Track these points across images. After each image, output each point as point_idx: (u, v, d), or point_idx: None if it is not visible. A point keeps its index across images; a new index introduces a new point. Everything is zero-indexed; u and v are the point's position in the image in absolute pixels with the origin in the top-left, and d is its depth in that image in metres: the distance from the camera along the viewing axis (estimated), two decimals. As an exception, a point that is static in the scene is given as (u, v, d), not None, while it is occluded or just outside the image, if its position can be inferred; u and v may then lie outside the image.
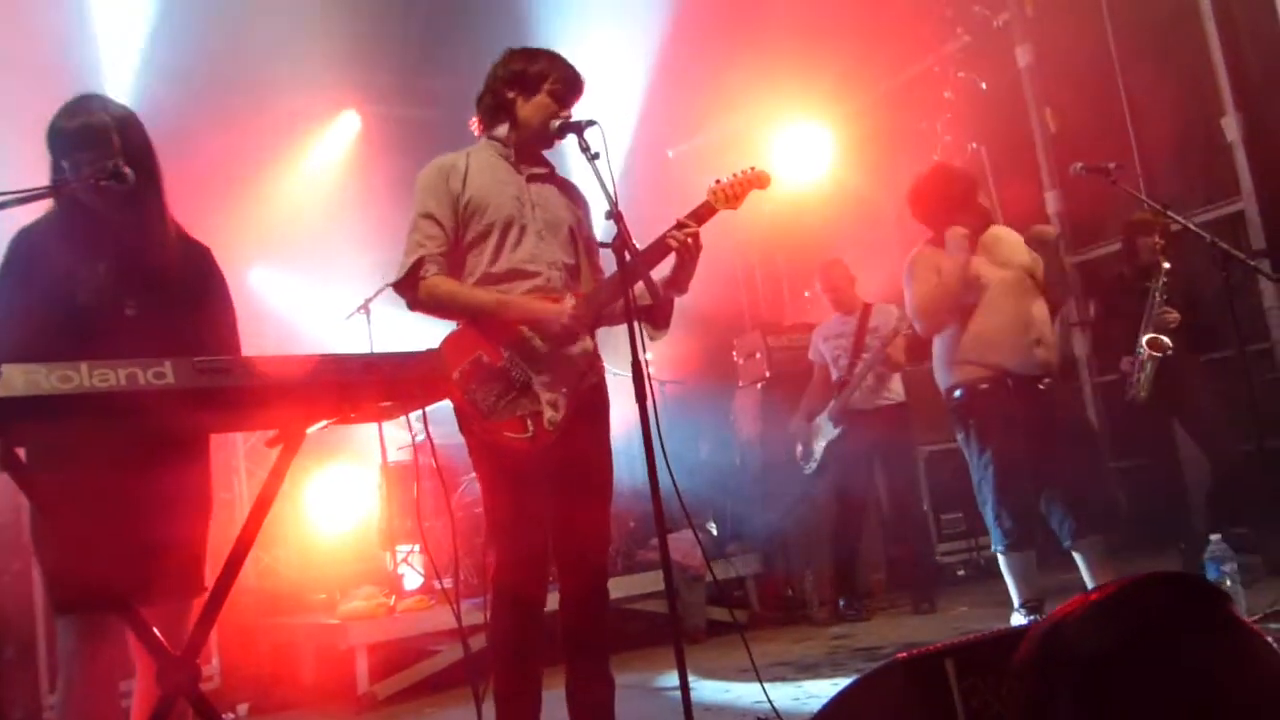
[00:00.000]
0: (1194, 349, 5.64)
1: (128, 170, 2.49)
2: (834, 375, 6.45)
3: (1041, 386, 4.40)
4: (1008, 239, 4.62)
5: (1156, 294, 5.38)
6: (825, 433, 6.40)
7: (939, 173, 4.76)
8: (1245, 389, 4.80)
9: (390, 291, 3.33)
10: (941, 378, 4.61)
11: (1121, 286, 5.86)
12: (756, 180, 3.30)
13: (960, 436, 4.60)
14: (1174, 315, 5.39)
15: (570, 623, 3.16)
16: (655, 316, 3.20)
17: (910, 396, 6.54)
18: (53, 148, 2.58)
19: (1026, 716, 1.45)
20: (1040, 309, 4.47)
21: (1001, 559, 4.50)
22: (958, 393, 4.51)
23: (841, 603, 6.34)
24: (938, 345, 4.63)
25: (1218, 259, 4.59)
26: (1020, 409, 4.34)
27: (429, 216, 3.15)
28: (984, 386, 4.41)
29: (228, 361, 2.10)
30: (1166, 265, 5.33)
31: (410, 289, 3.15)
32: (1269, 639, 1.47)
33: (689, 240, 3.12)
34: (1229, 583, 4.13)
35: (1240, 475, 5.35)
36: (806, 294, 9.31)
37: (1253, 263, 5.27)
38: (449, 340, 3.13)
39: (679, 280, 3.19)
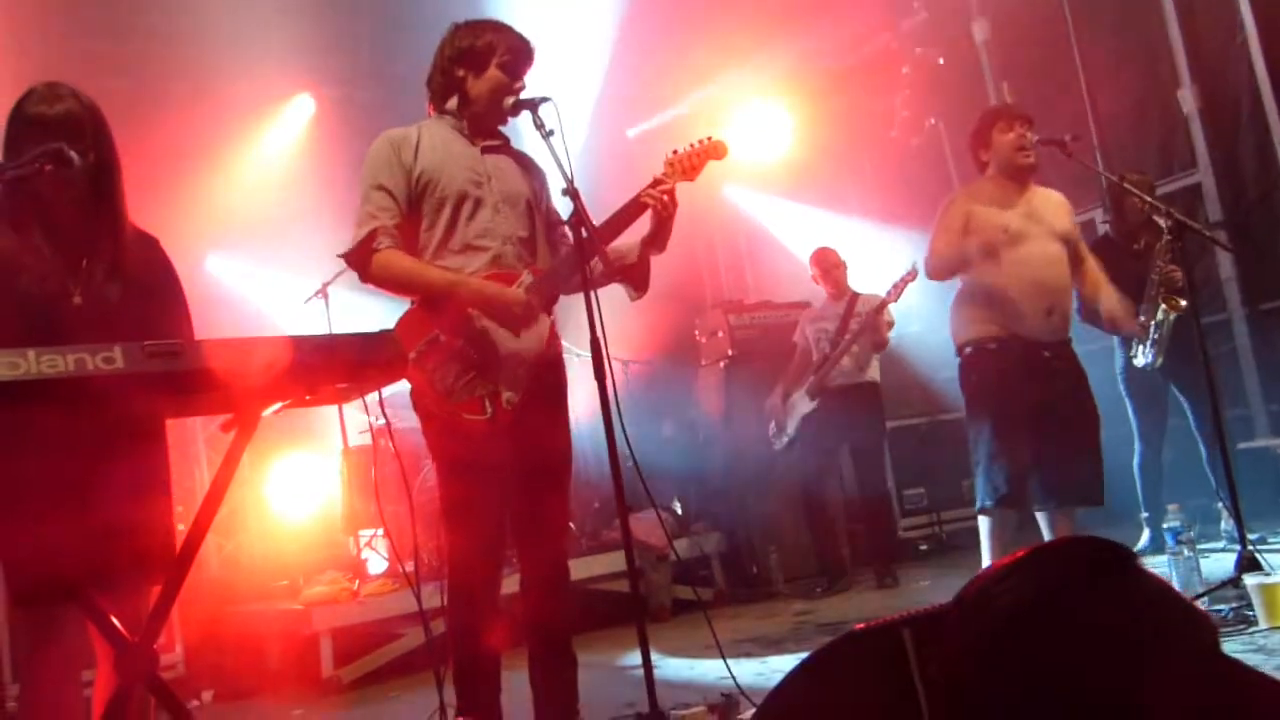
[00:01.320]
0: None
1: (73, 154, 2.44)
2: (815, 356, 6.48)
3: (1048, 354, 4.43)
4: (1051, 200, 4.62)
5: (1161, 252, 5.20)
6: (801, 409, 6.43)
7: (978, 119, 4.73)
8: (1203, 360, 4.84)
9: (349, 276, 3.27)
10: (954, 330, 4.65)
11: (1111, 250, 5.68)
12: (713, 150, 3.27)
13: (965, 392, 4.66)
14: (1179, 273, 5.15)
15: (532, 607, 3.15)
16: (634, 277, 3.17)
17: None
18: (26, 133, 2.50)
19: (955, 678, 1.50)
20: (1063, 277, 4.49)
21: (983, 519, 4.53)
22: (968, 349, 4.56)
23: (819, 589, 6.34)
24: (956, 298, 4.67)
25: (1174, 230, 4.62)
26: (1024, 373, 4.39)
27: (381, 188, 3.08)
28: (992, 346, 4.46)
29: (178, 345, 2.08)
30: (1166, 223, 5.17)
31: (363, 261, 3.07)
32: (1178, 594, 1.56)
33: (665, 197, 3.10)
34: (1186, 552, 4.18)
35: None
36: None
37: (1209, 234, 5.30)
38: (404, 320, 3.09)
39: (657, 239, 3.18)
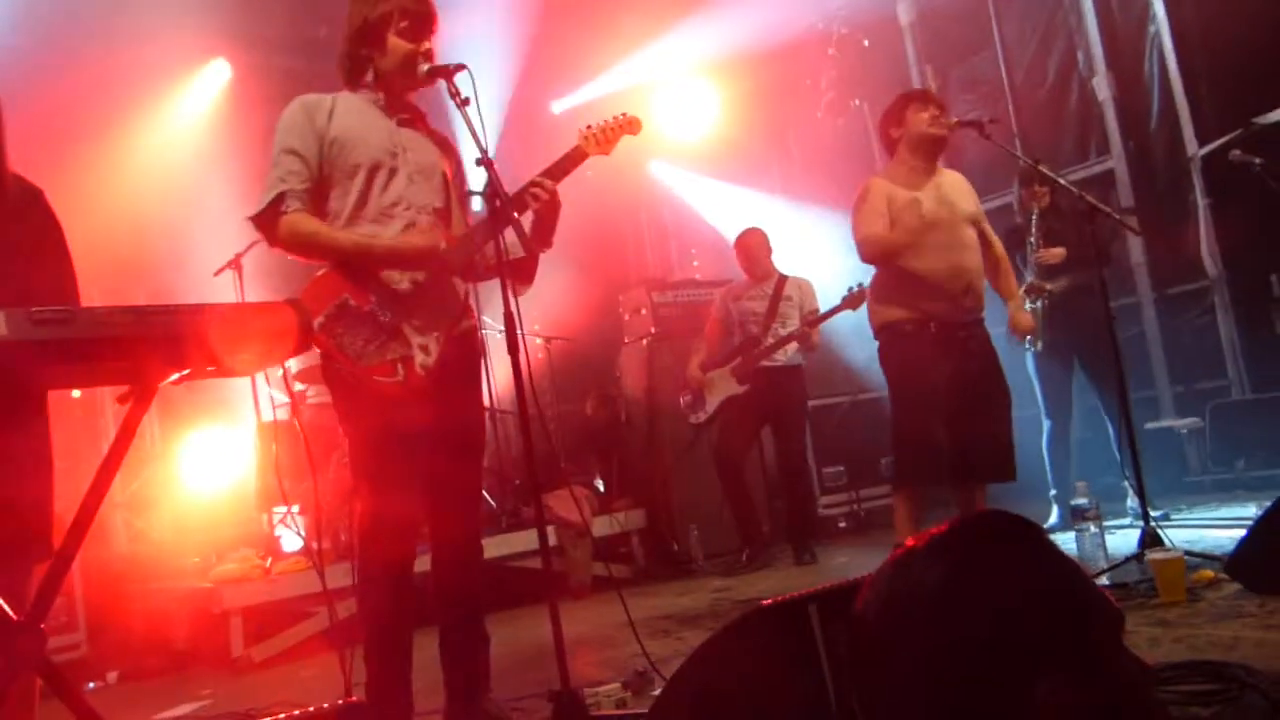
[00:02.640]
0: (1092, 287, 5.78)
1: None
2: (738, 336, 6.49)
3: (963, 334, 4.54)
4: (957, 183, 4.71)
5: (1031, 239, 5.53)
6: (724, 388, 6.45)
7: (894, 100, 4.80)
8: (1111, 342, 4.95)
9: (262, 247, 3.20)
10: (872, 313, 4.76)
11: (1017, 238, 5.92)
12: (628, 125, 3.30)
13: (885, 373, 4.75)
14: (1057, 252, 5.56)
15: (443, 582, 3.11)
16: (519, 272, 3.15)
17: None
18: None
19: (874, 652, 1.50)
20: (976, 259, 4.60)
21: (898, 495, 4.62)
22: (885, 332, 4.67)
23: (745, 555, 6.41)
24: (874, 281, 4.77)
25: (1086, 213, 4.72)
26: (939, 353, 4.50)
27: (292, 151, 3.03)
28: (909, 329, 4.56)
29: (68, 312, 1.98)
30: (1038, 209, 5.49)
31: (270, 224, 3.02)
32: (1080, 567, 1.57)
33: (545, 195, 3.09)
34: (1092, 529, 4.29)
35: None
36: (695, 263, 9.37)
37: (1119, 217, 5.42)
38: (311, 286, 3.02)
39: (541, 235, 3.16)
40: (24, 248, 2.48)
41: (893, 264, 4.59)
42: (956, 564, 1.44)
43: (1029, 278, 5.64)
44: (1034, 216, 5.55)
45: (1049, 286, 5.57)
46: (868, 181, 4.73)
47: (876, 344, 4.78)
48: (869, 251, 4.64)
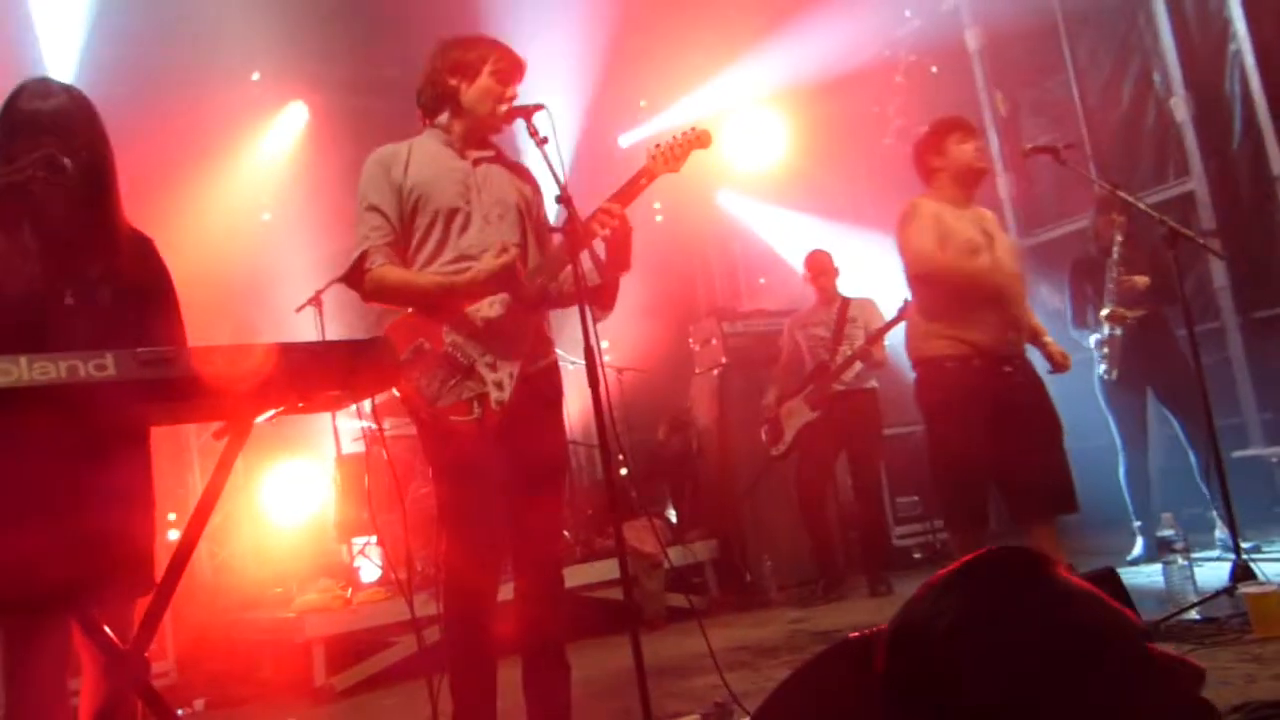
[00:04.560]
0: (1166, 318, 5.71)
1: (65, 161, 2.41)
2: (808, 365, 6.49)
3: (1008, 369, 4.34)
4: (991, 218, 4.59)
5: (1113, 266, 5.46)
6: (800, 417, 6.44)
7: (928, 128, 4.68)
8: (1195, 368, 4.85)
9: (341, 285, 3.29)
10: (912, 347, 4.53)
11: (1088, 266, 5.93)
12: (697, 140, 3.28)
13: (922, 410, 4.57)
14: (1142, 279, 5.50)
15: (526, 614, 3.14)
16: (600, 297, 3.18)
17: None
18: (18, 130, 2.47)
19: (891, 697, 1.52)
20: (1022, 291, 4.47)
21: (953, 539, 4.52)
22: (925, 365, 4.46)
23: (821, 585, 6.38)
24: (915, 313, 4.57)
25: (1167, 238, 4.63)
26: (983, 390, 4.28)
27: (373, 208, 3.12)
28: (950, 365, 4.33)
29: (170, 352, 2.06)
30: (1119, 237, 5.44)
31: (358, 282, 3.13)
32: (1092, 591, 1.59)
33: (615, 222, 3.10)
34: (1180, 561, 4.17)
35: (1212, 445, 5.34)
36: (761, 280, 9.39)
37: (1202, 241, 5.34)
38: (392, 328, 3.10)
39: (617, 261, 3.18)
40: (139, 294, 2.59)
41: (939, 284, 4.36)
42: (964, 602, 1.46)
43: (1109, 306, 5.56)
44: (1116, 245, 5.49)
45: (1131, 314, 5.49)
46: (913, 200, 4.48)
47: (915, 376, 4.53)
48: (919, 268, 4.40)
